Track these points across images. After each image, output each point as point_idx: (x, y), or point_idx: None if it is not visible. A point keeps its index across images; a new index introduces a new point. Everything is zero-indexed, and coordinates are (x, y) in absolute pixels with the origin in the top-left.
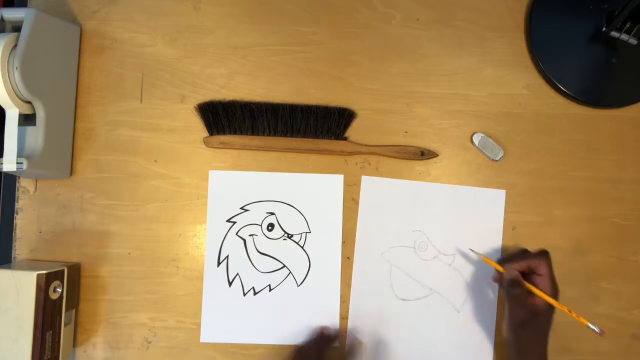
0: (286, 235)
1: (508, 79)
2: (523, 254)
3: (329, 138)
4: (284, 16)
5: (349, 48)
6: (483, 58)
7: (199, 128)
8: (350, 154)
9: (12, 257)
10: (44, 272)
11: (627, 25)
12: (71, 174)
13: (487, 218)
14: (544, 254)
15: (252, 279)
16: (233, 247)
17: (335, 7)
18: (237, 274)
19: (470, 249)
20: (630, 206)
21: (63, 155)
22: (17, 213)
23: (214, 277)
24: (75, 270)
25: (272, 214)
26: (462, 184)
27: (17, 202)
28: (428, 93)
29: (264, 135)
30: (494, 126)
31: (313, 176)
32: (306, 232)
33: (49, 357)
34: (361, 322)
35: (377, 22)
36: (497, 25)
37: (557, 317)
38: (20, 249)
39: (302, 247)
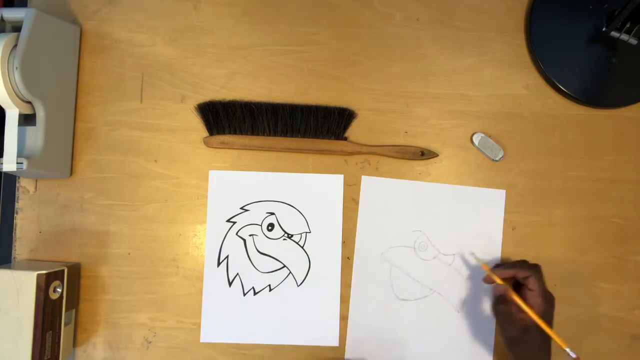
0: (286, 235)
1: (508, 79)
2: (516, 263)
3: (329, 138)
4: (284, 16)
5: (349, 48)
6: (483, 58)
7: (199, 128)
8: (350, 154)
9: (12, 257)
10: (44, 272)
11: (627, 25)
12: (71, 174)
13: (487, 218)
14: (535, 268)
15: (252, 279)
16: (233, 247)
17: (335, 7)
18: (237, 274)
19: (473, 255)
20: (630, 206)
21: (63, 155)
22: (17, 213)
23: (214, 277)
24: (75, 270)
25: (272, 214)
26: (462, 184)
27: (17, 202)
28: (428, 93)
29: (264, 135)
30: (494, 126)
31: (313, 176)
32: (306, 232)
33: (49, 357)
34: (361, 322)
35: (377, 22)
36: (497, 25)
37: (556, 318)
38: (20, 249)
39: (302, 247)
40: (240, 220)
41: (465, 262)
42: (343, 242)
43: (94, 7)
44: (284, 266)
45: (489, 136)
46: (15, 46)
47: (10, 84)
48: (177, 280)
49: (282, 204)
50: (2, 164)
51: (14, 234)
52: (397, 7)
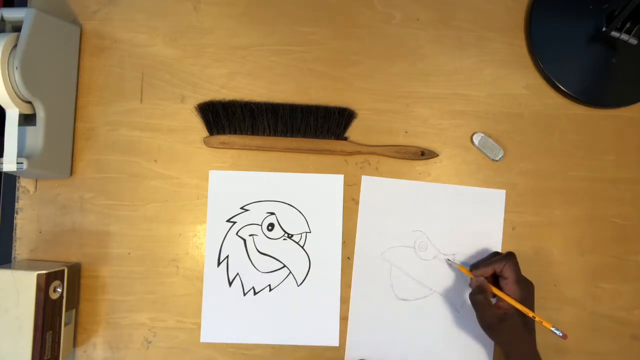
0: (286, 235)
1: (508, 79)
2: (490, 258)
3: (329, 138)
4: (284, 16)
5: (349, 48)
6: (483, 58)
7: (199, 128)
8: (351, 154)
9: (12, 257)
10: (44, 272)
11: (627, 25)
12: (71, 174)
13: (487, 218)
14: (508, 257)
15: (252, 279)
16: (233, 247)
17: (335, 7)
18: (237, 274)
19: (449, 261)
20: (630, 206)
21: (63, 155)
22: (17, 213)
23: (214, 277)
24: (75, 270)
25: (272, 214)
26: (462, 184)
27: (17, 202)
28: (428, 93)
29: (264, 135)
30: (494, 126)
31: (313, 176)
32: (306, 232)
33: (49, 357)
34: (361, 322)
35: (377, 22)
36: (497, 25)
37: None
38: (20, 249)
39: (302, 247)
40: (241, 220)
41: (465, 262)
42: (343, 242)
43: (94, 7)
44: (284, 266)
45: (489, 136)
46: (15, 46)
47: (10, 84)
48: (177, 280)
49: (282, 204)
50: (2, 164)
51: (14, 234)
52: (397, 7)
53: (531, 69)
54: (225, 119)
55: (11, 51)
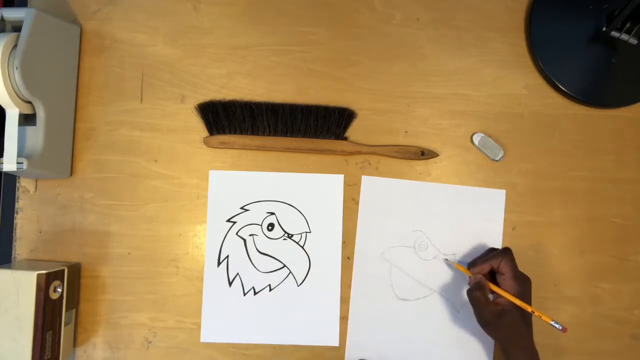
0: (286, 235)
1: (508, 79)
2: (486, 254)
3: (329, 138)
4: (284, 16)
5: (349, 48)
6: (483, 58)
7: (199, 128)
8: (351, 153)
9: (12, 257)
10: (44, 272)
11: (627, 25)
12: (71, 174)
13: (487, 218)
14: (504, 253)
15: (252, 279)
16: (233, 247)
17: (335, 7)
18: (237, 273)
19: (446, 260)
20: (630, 206)
21: (63, 155)
22: (17, 213)
23: (214, 277)
24: (75, 270)
25: (272, 213)
26: (462, 183)
27: (17, 202)
28: (428, 93)
29: (264, 135)
30: (494, 126)
31: (313, 176)
32: (306, 232)
33: (49, 357)
34: (361, 322)
35: (377, 22)
36: (497, 25)
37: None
38: (20, 249)
39: (302, 247)
40: (241, 220)
41: (465, 261)
42: (343, 242)
43: (94, 7)
44: (284, 266)
45: (489, 136)
46: (15, 46)
47: (11, 84)
48: (177, 280)
49: (282, 204)
50: (2, 163)
51: (14, 234)
52: (397, 7)
53: (531, 69)
54: (225, 119)
55: (11, 51)
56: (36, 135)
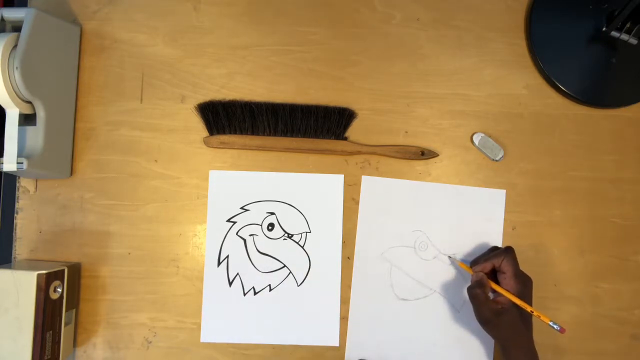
0: (286, 235)
1: (508, 79)
2: (489, 253)
3: (329, 138)
4: (284, 16)
5: (349, 48)
6: (483, 58)
7: (199, 128)
8: (351, 153)
9: (12, 257)
10: (44, 272)
11: (627, 25)
12: (71, 174)
13: (487, 218)
14: (506, 252)
15: (252, 279)
16: (233, 247)
17: (335, 7)
18: (237, 273)
19: (451, 258)
20: (630, 206)
21: (63, 155)
22: (17, 213)
23: (214, 277)
24: (75, 270)
25: (272, 213)
26: (462, 183)
27: (17, 202)
28: (428, 93)
29: (264, 135)
30: (494, 126)
31: (313, 176)
32: (306, 232)
33: (49, 357)
34: (361, 322)
35: (377, 22)
36: (497, 25)
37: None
38: (20, 249)
39: (302, 247)
40: (241, 220)
41: (465, 261)
42: (343, 242)
43: (94, 7)
44: (284, 266)
45: (489, 136)
46: (15, 46)
47: (11, 84)
48: (177, 280)
49: (282, 204)
50: (2, 163)
51: (14, 234)
52: (397, 7)
53: (531, 69)
54: (225, 119)
55: (11, 51)
56: (36, 135)
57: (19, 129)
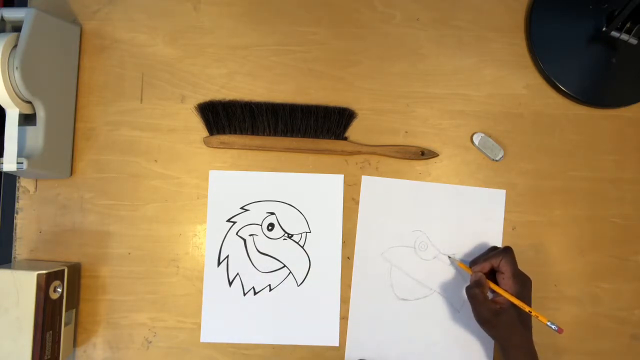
0: (286, 235)
1: (508, 79)
2: (488, 253)
3: (329, 138)
4: (284, 16)
5: (349, 48)
6: (483, 58)
7: (199, 128)
8: (351, 153)
9: (12, 257)
10: (44, 272)
11: (627, 25)
12: (71, 174)
13: (487, 218)
14: (505, 252)
15: (252, 279)
16: (233, 247)
17: (335, 7)
18: (237, 273)
19: (450, 258)
20: (630, 206)
21: (63, 155)
22: (17, 213)
23: (214, 277)
24: (75, 270)
25: (272, 213)
26: (462, 183)
27: (17, 202)
28: (428, 93)
29: (264, 135)
30: (494, 126)
31: (313, 176)
32: (306, 232)
33: (49, 357)
34: (361, 322)
35: (377, 22)
36: (497, 25)
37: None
38: (20, 249)
39: (302, 247)
40: (241, 220)
41: (465, 260)
42: (343, 242)
43: (94, 7)
44: (284, 266)
45: (489, 136)
46: (15, 46)
47: (11, 84)
48: (177, 280)
49: (282, 204)
50: (2, 163)
51: (14, 234)
52: (397, 7)
53: (531, 69)
54: (225, 119)
55: (11, 51)
56: (36, 135)
57: (19, 129)
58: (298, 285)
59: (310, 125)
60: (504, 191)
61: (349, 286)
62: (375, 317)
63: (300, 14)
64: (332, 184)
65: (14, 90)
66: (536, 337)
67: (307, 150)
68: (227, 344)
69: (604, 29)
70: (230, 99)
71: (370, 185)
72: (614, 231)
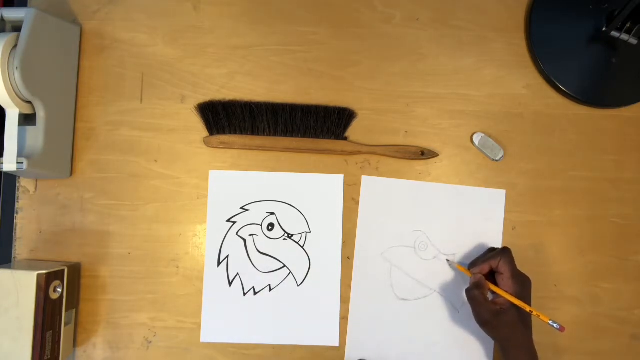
0: (286, 235)
1: (508, 79)
2: (486, 254)
3: (329, 138)
4: (284, 16)
5: (349, 48)
6: (483, 58)
7: (199, 128)
8: (351, 153)
9: (12, 257)
10: (44, 272)
11: (627, 25)
12: (71, 174)
13: (487, 218)
14: (503, 252)
15: (252, 279)
16: (233, 247)
17: (335, 7)
18: (237, 273)
19: (447, 260)
20: (630, 206)
21: (63, 155)
22: (17, 213)
23: (214, 277)
24: (75, 270)
25: (272, 213)
26: (462, 183)
27: (17, 202)
28: (428, 93)
29: (264, 135)
30: (494, 126)
31: (313, 176)
32: (306, 232)
33: (49, 357)
34: (361, 322)
35: (377, 22)
36: (497, 25)
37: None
38: (20, 249)
39: (302, 247)
40: (241, 220)
41: (465, 261)
42: (343, 242)
43: (94, 7)
44: (284, 266)
45: (489, 136)
46: (15, 46)
47: (11, 84)
48: (177, 280)
49: (282, 204)
50: (2, 163)
51: (14, 234)
52: (397, 7)
53: (531, 69)
54: (225, 119)
55: (11, 51)
56: (36, 135)
57: (19, 129)
58: (298, 285)
59: (310, 125)
60: (504, 191)
61: (349, 286)
62: (375, 317)
63: (300, 14)
64: (332, 184)
65: (14, 90)
66: (536, 337)
67: (307, 150)
68: (227, 344)
69: (604, 29)
70: (230, 99)
71: (370, 185)
72: (614, 231)
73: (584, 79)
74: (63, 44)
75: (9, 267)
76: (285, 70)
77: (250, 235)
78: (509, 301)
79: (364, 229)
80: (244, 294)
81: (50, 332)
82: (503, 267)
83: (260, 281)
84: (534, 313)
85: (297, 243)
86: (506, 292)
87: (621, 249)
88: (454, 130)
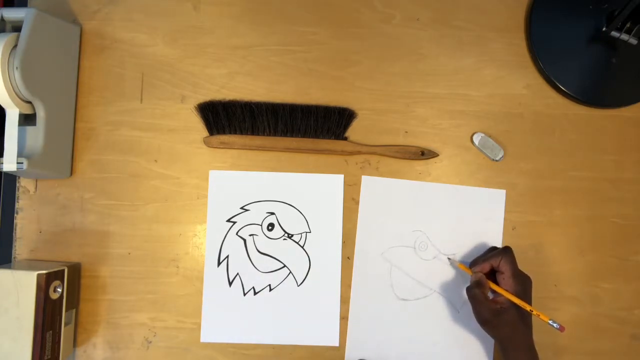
0: (286, 235)
1: (508, 79)
2: (487, 253)
3: (329, 138)
4: (284, 16)
5: (349, 48)
6: (483, 58)
7: (199, 128)
8: (351, 153)
9: (12, 257)
10: (44, 272)
11: (627, 25)
12: (71, 174)
13: (487, 218)
14: (504, 252)
15: (252, 279)
16: (233, 247)
17: (335, 7)
18: (237, 273)
19: (449, 258)
20: (630, 206)
21: (63, 155)
22: (17, 213)
23: (214, 277)
24: (75, 270)
25: (272, 213)
26: (462, 184)
27: (17, 202)
28: (428, 93)
29: (264, 135)
30: (494, 126)
31: (313, 176)
32: (306, 232)
33: (49, 357)
34: (361, 322)
35: (377, 22)
36: (497, 25)
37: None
38: (20, 249)
39: (302, 247)
40: (241, 220)
41: (465, 261)
42: (343, 242)
43: (94, 7)
44: (284, 266)
45: (489, 136)
46: (15, 46)
47: (11, 84)
48: (177, 280)
49: (282, 204)
50: (2, 163)
51: (14, 234)
52: (397, 7)
53: (531, 69)
54: (225, 119)
55: (11, 51)
56: (36, 135)
57: (19, 129)
58: (298, 285)
59: (310, 125)
60: (504, 191)
61: (349, 286)
62: (375, 317)
63: (300, 14)
64: (332, 184)
65: (14, 90)
66: (536, 337)
67: (307, 150)
68: (227, 344)
69: (604, 29)
70: (230, 99)
71: (370, 185)
72: (614, 231)
73: (584, 79)
74: (63, 44)
75: (9, 267)
76: (285, 70)
77: (250, 235)
78: (509, 300)
79: (364, 229)
80: (244, 294)
81: (50, 332)
82: (504, 266)
83: (260, 281)
84: (534, 312)
85: (297, 243)
86: (507, 291)
87: (621, 249)
88: (454, 130)
